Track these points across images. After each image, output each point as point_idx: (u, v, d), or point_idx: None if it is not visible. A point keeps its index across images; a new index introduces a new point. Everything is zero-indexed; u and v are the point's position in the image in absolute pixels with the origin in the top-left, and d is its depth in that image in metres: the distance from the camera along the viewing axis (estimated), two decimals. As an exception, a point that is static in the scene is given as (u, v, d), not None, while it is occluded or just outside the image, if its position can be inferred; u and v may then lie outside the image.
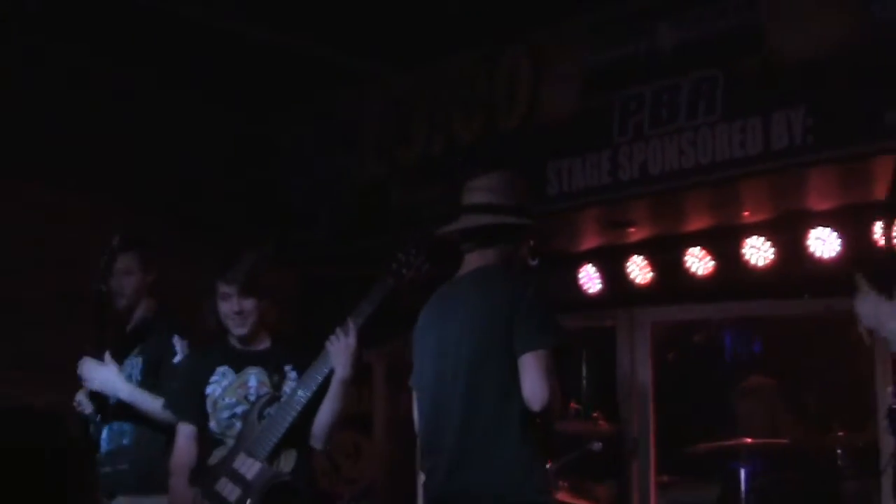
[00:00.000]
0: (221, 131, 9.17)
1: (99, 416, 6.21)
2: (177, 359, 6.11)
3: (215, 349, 5.84)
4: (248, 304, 5.75)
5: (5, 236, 7.90)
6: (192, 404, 5.74)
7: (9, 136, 7.91)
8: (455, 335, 4.92)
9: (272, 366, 5.74)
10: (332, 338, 5.56)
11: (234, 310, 5.73)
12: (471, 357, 4.84)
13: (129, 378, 6.14)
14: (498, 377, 4.80)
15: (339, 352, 5.54)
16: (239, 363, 5.76)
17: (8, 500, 6.88)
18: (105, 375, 6.11)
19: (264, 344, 5.83)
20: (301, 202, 9.31)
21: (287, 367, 5.75)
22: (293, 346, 5.86)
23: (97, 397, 6.17)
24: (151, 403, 6.01)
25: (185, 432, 5.73)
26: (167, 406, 5.89)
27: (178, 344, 6.15)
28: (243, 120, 9.34)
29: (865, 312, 4.48)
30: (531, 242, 5.14)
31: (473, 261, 5.06)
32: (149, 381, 6.11)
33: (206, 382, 5.72)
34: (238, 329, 5.75)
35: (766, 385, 7.96)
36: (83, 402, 6.26)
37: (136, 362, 6.20)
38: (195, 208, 8.91)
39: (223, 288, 5.75)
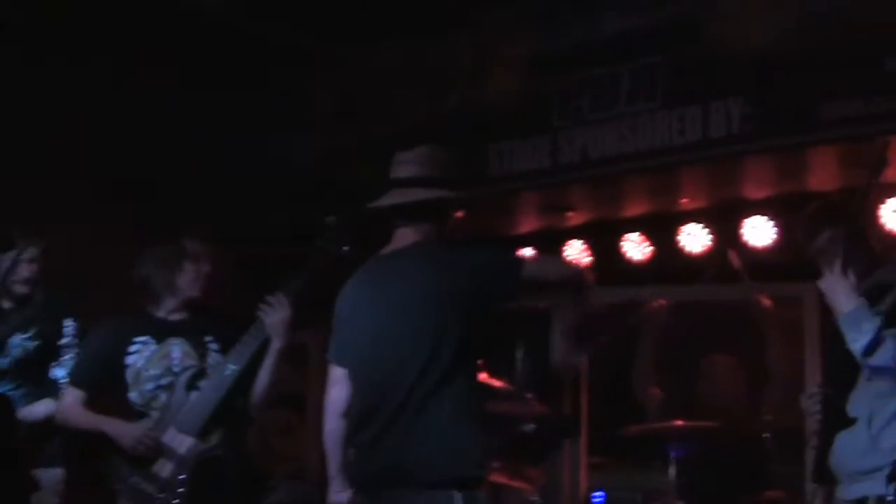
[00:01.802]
0: (157, 106, 9.10)
1: None
2: (66, 340, 6.12)
3: (131, 319, 5.79)
4: (209, 266, 5.81)
5: None
6: (92, 373, 5.73)
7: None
8: (396, 311, 4.90)
9: (193, 337, 5.75)
10: (268, 310, 5.60)
11: (204, 270, 5.75)
12: (414, 333, 4.84)
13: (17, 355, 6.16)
14: (441, 354, 4.82)
15: (277, 323, 5.59)
16: (160, 333, 5.71)
17: None
18: None
19: (182, 314, 5.84)
20: (237, 181, 9.29)
21: (207, 339, 5.75)
22: (212, 318, 5.85)
23: None
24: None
25: (74, 395, 5.72)
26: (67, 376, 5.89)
27: (69, 326, 6.15)
28: (184, 95, 9.29)
29: (824, 290, 4.57)
30: (460, 214, 5.19)
31: (407, 236, 5.05)
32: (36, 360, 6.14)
33: (123, 353, 5.66)
34: (193, 290, 5.76)
35: (726, 363, 8.04)
36: None
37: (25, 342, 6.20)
38: (131, 184, 8.85)
39: (197, 247, 5.78)
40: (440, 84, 8.24)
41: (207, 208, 8.87)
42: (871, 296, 4.66)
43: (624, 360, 8.13)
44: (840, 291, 4.47)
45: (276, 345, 5.63)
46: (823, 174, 7.14)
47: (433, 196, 5.00)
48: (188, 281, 5.74)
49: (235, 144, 9.14)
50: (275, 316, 5.58)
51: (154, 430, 5.54)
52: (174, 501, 5.41)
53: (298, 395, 7.79)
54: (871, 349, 4.33)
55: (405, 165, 5.06)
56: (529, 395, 7.52)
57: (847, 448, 4.63)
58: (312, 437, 7.65)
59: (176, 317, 5.78)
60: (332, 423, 5.09)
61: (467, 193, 5.14)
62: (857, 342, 4.37)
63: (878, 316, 4.38)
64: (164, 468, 5.48)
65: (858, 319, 4.39)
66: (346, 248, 5.69)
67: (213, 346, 5.74)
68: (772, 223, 7.81)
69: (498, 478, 7.09)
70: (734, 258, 7.80)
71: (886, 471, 4.39)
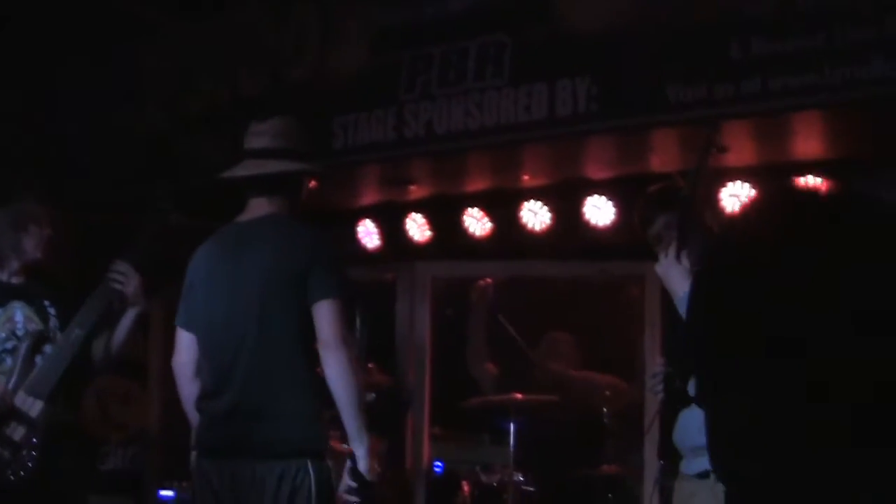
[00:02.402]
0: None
1: None
2: None
3: None
4: (51, 230, 5.75)
5: None
6: None
7: None
8: (246, 280, 4.93)
9: (34, 301, 5.70)
10: (122, 280, 5.59)
11: (46, 233, 5.70)
12: (263, 304, 4.88)
13: None
14: (288, 326, 4.86)
15: (136, 291, 5.64)
16: (3, 296, 5.69)
17: None
18: None
19: (22, 278, 5.76)
20: (79, 149, 9.14)
21: (46, 303, 5.72)
22: (49, 284, 5.82)
23: None
24: None
25: None
26: None
27: None
28: (18, 67, 9.11)
29: (660, 275, 4.65)
30: (312, 185, 5.22)
31: (262, 206, 5.07)
32: None
33: None
34: (37, 253, 5.70)
35: (567, 339, 8.14)
36: None
37: None
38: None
39: (40, 210, 5.70)
40: (285, 56, 8.19)
41: (45, 174, 8.73)
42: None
43: (465, 334, 8.20)
44: (674, 276, 4.56)
45: (138, 309, 5.66)
46: (665, 157, 7.27)
47: (288, 168, 5.03)
48: (33, 244, 5.69)
49: (77, 113, 9.00)
50: (131, 284, 5.58)
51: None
52: (28, 464, 5.36)
53: (137, 363, 7.69)
54: None
55: (260, 136, 5.09)
56: (371, 366, 7.56)
57: (688, 425, 4.74)
58: (153, 404, 7.57)
59: (17, 280, 5.72)
60: (187, 388, 5.11)
61: (315, 166, 5.18)
62: None
63: None
64: (16, 431, 5.42)
65: None
66: (176, 217, 5.73)
67: (52, 310, 5.71)
68: (611, 203, 7.94)
69: (337, 446, 7.10)
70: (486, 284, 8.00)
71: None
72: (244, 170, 5.10)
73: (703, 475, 4.67)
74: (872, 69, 6.09)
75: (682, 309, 4.52)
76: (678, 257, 4.54)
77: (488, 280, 8.07)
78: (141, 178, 8.63)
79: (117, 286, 5.60)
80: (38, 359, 5.59)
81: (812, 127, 6.79)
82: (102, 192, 8.93)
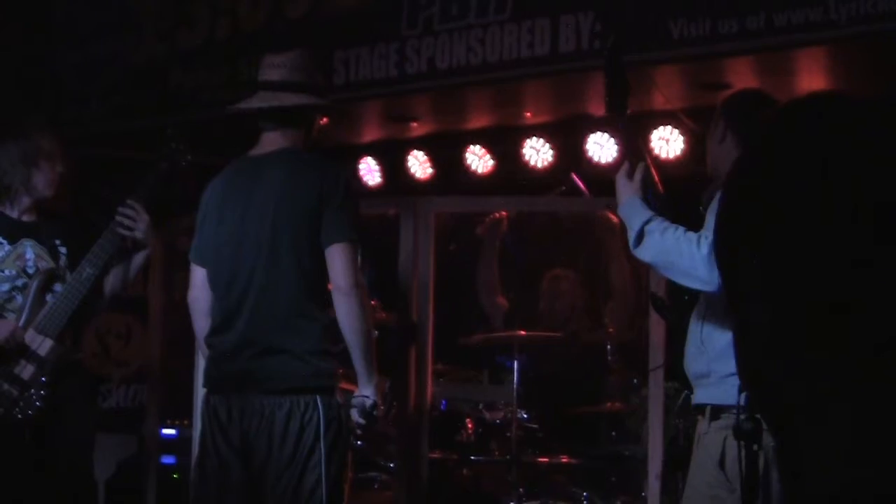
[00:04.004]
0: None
1: None
2: None
3: None
4: (63, 166, 5.72)
5: None
6: None
7: None
8: (257, 215, 4.92)
9: (45, 239, 5.69)
10: (135, 219, 5.58)
11: (59, 170, 5.67)
12: (274, 238, 4.87)
13: None
14: (298, 262, 4.86)
15: (147, 231, 5.64)
16: (13, 234, 5.67)
17: None
18: None
19: (33, 216, 5.75)
20: (76, 80, 9.09)
21: (57, 242, 5.71)
22: (60, 222, 5.81)
23: None
24: None
25: None
26: None
27: None
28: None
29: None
30: (323, 122, 5.19)
31: (275, 140, 5.04)
32: None
33: None
34: (48, 191, 5.68)
35: (569, 277, 8.13)
36: None
37: None
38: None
39: (53, 145, 5.68)
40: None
41: (42, 105, 8.70)
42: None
43: (470, 269, 8.19)
44: (620, 188, 4.56)
45: (149, 251, 5.75)
46: (668, 93, 7.24)
47: (306, 102, 5.00)
48: (44, 181, 5.66)
49: (75, 44, 8.95)
50: (142, 224, 5.58)
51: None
52: (36, 403, 5.37)
53: (138, 299, 7.68)
54: (637, 243, 4.43)
55: (275, 69, 5.06)
56: (374, 302, 7.54)
57: (687, 352, 4.73)
58: (154, 342, 7.56)
59: (28, 218, 5.70)
60: (200, 323, 5.12)
61: (332, 101, 5.15)
62: (629, 238, 4.47)
63: (648, 212, 4.45)
64: (26, 370, 5.43)
65: (629, 214, 4.48)
66: (188, 158, 5.72)
67: (63, 249, 5.69)
68: (614, 140, 7.91)
69: (345, 384, 7.11)
70: (577, 181, 7.90)
71: (713, 377, 4.47)
72: (260, 101, 5.07)
73: (699, 408, 4.66)
74: (878, 4, 6.06)
75: (623, 220, 4.51)
76: (630, 175, 4.53)
77: (503, 213, 8.04)
78: (140, 111, 8.60)
79: (126, 231, 5.58)
80: (49, 297, 5.59)
81: (817, 63, 6.76)
82: (100, 124, 8.89)
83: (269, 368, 4.85)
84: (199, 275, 5.11)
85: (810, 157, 2.15)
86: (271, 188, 4.92)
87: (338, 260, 4.81)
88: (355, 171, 8.81)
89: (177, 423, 7.91)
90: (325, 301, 4.90)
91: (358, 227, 4.90)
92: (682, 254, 4.26)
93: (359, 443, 6.86)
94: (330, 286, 4.87)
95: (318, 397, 4.81)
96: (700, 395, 4.63)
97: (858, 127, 2.10)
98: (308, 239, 4.84)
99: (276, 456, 4.79)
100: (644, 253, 4.41)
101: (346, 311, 4.82)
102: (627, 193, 4.51)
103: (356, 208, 4.96)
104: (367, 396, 4.91)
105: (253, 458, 4.84)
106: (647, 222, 4.39)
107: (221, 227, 5.02)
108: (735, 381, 3.96)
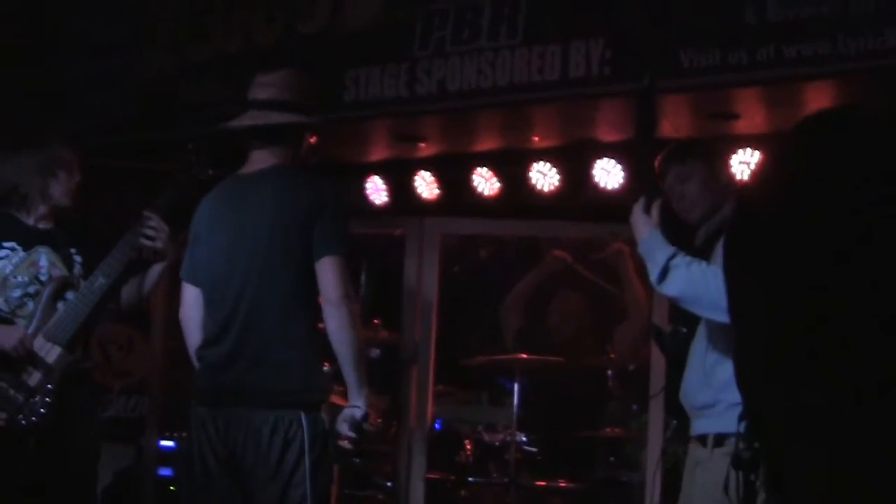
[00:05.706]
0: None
1: None
2: None
3: None
4: (80, 176, 5.76)
5: None
6: None
7: None
8: (248, 233, 4.97)
9: (60, 247, 5.72)
10: (156, 231, 5.59)
11: (76, 179, 5.71)
12: (266, 255, 4.92)
13: None
14: (289, 278, 4.91)
15: (167, 244, 5.66)
16: (28, 240, 5.70)
17: None
18: None
19: (49, 224, 5.78)
20: (85, 92, 9.11)
21: (72, 251, 5.73)
22: (76, 231, 5.83)
23: None
24: None
25: None
26: None
27: None
28: (23, 7, 9.07)
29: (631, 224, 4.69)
30: (313, 140, 5.24)
31: (264, 158, 5.10)
32: None
33: None
34: (65, 200, 5.72)
35: (578, 298, 8.17)
36: None
37: None
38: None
39: (71, 155, 5.71)
40: (300, 7, 8.16)
41: (48, 114, 8.71)
42: (711, 240, 4.82)
43: (474, 290, 8.21)
44: (637, 225, 4.60)
45: (168, 261, 5.73)
46: (677, 122, 7.27)
47: (289, 120, 5.05)
48: (61, 191, 5.70)
49: (86, 56, 8.96)
50: (162, 238, 5.61)
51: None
52: (41, 410, 5.39)
53: (142, 312, 7.70)
54: (661, 278, 4.46)
55: (265, 88, 5.13)
56: (376, 321, 7.57)
57: (688, 384, 4.75)
58: (155, 353, 7.59)
59: (44, 225, 5.73)
60: (194, 339, 5.14)
61: (321, 120, 5.20)
62: (651, 272, 4.51)
63: (671, 247, 4.49)
64: (32, 376, 5.45)
65: (651, 249, 4.52)
66: (210, 172, 5.74)
67: (78, 258, 5.72)
68: (620, 166, 7.94)
69: (337, 400, 7.13)
70: (564, 256, 8.01)
71: (719, 407, 4.50)
72: (250, 119, 5.13)
73: (700, 438, 4.68)
74: (886, 39, 6.08)
75: (644, 256, 4.55)
76: (647, 210, 4.58)
77: (565, 253, 8.12)
78: (151, 124, 8.62)
79: (149, 242, 5.61)
80: (60, 305, 5.61)
81: (824, 96, 6.78)
82: (111, 136, 8.91)
83: (256, 382, 4.90)
84: (190, 293, 5.17)
85: (820, 175, 2.15)
86: (261, 205, 4.97)
87: (328, 272, 4.86)
88: (362, 189, 8.82)
89: (175, 435, 7.93)
90: (317, 317, 4.95)
91: (348, 241, 4.96)
92: (710, 286, 4.29)
93: (356, 460, 6.87)
94: (320, 299, 4.90)
95: (301, 413, 4.84)
96: (702, 426, 4.66)
97: (874, 143, 2.10)
98: (299, 255, 4.89)
99: (261, 469, 4.84)
100: (670, 287, 4.45)
101: (336, 322, 4.85)
102: (647, 228, 4.55)
103: (347, 222, 5.02)
104: (357, 407, 4.92)
105: (240, 471, 4.88)
106: (671, 257, 4.43)
107: (213, 246, 5.08)
108: (740, 409, 3.99)
